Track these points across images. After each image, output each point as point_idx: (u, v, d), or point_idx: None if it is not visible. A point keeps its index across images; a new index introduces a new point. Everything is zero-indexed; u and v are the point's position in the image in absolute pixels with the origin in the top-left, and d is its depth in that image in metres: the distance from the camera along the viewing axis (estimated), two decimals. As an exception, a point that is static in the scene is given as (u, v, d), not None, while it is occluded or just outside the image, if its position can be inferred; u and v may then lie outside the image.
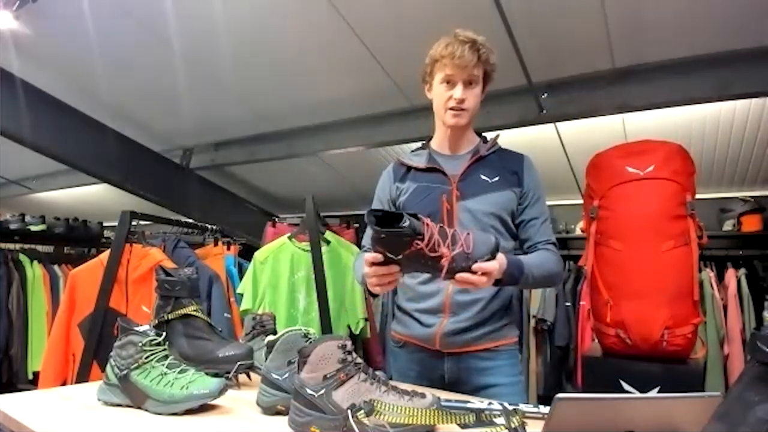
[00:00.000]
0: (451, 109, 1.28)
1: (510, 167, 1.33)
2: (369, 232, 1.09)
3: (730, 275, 2.94)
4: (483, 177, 1.30)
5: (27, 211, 4.00)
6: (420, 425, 0.79)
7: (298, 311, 2.10)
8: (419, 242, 0.97)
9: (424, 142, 1.44)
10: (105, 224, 4.26)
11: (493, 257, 1.02)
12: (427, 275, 1.27)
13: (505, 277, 1.11)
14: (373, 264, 1.02)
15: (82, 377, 1.83)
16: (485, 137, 1.41)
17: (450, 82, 1.27)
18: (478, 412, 0.80)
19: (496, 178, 1.30)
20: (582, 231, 1.88)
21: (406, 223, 0.96)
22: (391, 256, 0.99)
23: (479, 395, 1.19)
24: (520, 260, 1.17)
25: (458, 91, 1.26)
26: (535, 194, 1.32)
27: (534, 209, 1.32)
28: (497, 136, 1.40)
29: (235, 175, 4.36)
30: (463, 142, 1.37)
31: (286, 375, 0.98)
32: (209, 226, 2.49)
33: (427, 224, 0.99)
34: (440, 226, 1.01)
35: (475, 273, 1.01)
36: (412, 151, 1.44)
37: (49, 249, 3.81)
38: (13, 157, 3.94)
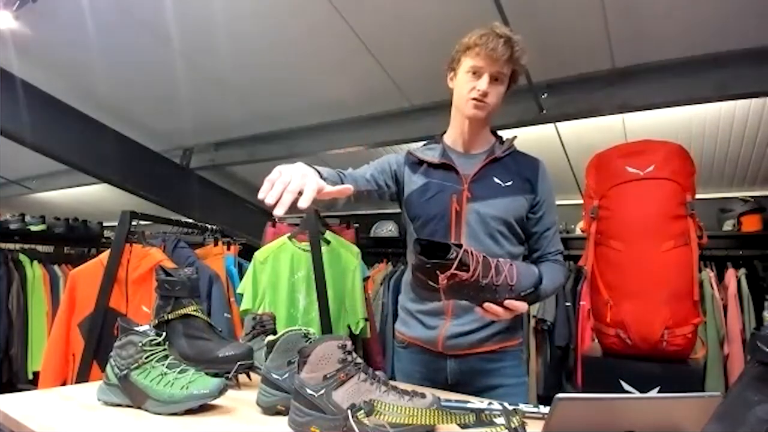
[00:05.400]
0: (472, 99, 1.24)
1: (524, 173, 1.31)
2: (411, 257, 1.07)
3: (730, 275, 2.94)
4: (496, 180, 1.28)
5: (27, 211, 4.00)
6: (420, 425, 0.79)
7: (298, 311, 2.10)
8: (464, 274, 0.97)
9: (436, 136, 1.41)
10: (105, 224, 4.26)
11: (535, 290, 1.02)
12: None
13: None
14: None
15: (82, 377, 1.83)
16: (501, 137, 1.39)
17: (476, 73, 1.23)
18: (478, 412, 0.80)
19: (509, 183, 1.28)
20: (582, 231, 1.87)
21: (453, 254, 0.96)
22: (432, 283, 0.99)
23: (484, 396, 1.19)
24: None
25: (483, 83, 1.22)
26: (548, 204, 1.32)
27: (547, 220, 1.32)
28: (514, 138, 1.38)
29: (235, 175, 4.36)
30: (479, 140, 1.34)
31: (286, 375, 0.98)
32: (209, 226, 2.49)
33: (472, 254, 0.99)
34: (484, 256, 1.00)
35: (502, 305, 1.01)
36: (424, 144, 1.41)
37: (49, 249, 3.82)
38: (13, 157, 3.94)
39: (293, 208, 0.88)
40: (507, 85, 1.28)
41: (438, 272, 0.97)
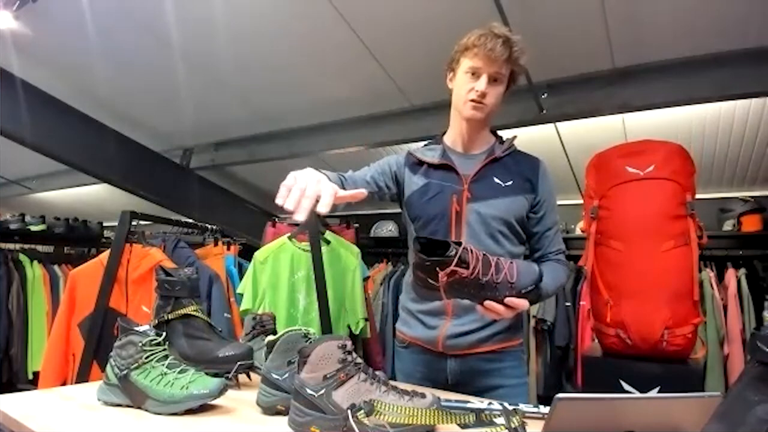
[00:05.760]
0: (471, 101, 1.24)
1: (524, 173, 1.31)
2: (412, 257, 1.09)
3: (730, 275, 2.94)
4: (496, 180, 1.28)
5: (27, 211, 4.00)
6: (420, 425, 0.79)
7: (298, 311, 2.10)
8: (464, 271, 0.98)
9: (437, 136, 1.41)
10: (105, 224, 4.26)
11: (536, 287, 1.02)
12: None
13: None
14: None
15: (82, 377, 1.83)
16: (501, 137, 1.39)
17: (475, 74, 1.23)
18: (478, 412, 0.80)
19: (510, 183, 1.28)
20: (582, 231, 1.87)
21: (453, 252, 0.97)
22: (433, 282, 1.00)
23: (484, 397, 1.19)
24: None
25: (482, 83, 1.22)
26: (549, 204, 1.32)
27: (548, 219, 1.32)
28: (514, 137, 1.37)
29: (235, 175, 4.36)
30: (478, 140, 1.34)
31: (286, 375, 0.98)
32: (209, 226, 2.49)
33: (472, 251, 1.00)
34: (484, 254, 1.01)
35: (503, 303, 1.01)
36: (425, 145, 1.41)
37: (49, 249, 3.82)
38: (13, 157, 3.94)
39: (311, 213, 0.89)
40: (506, 85, 1.28)
41: (438, 270, 0.98)
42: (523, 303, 1.02)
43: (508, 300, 1.01)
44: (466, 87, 1.24)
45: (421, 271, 1.01)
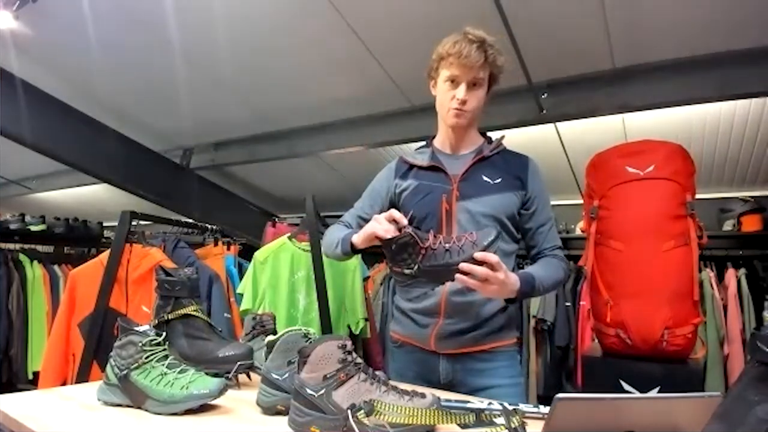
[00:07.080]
0: (453, 109, 1.26)
1: (514, 171, 1.31)
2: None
3: (730, 275, 2.94)
4: (485, 178, 1.29)
5: (27, 211, 4.00)
6: (420, 425, 0.79)
7: (298, 311, 2.10)
8: (425, 243, 1.05)
9: (427, 140, 1.43)
10: (105, 224, 4.26)
11: (496, 239, 1.06)
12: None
13: (519, 296, 1.15)
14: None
15: (82, 377, 1.83)
16: (490, 137, 1.40)
17: (454, 82, 1.25)
18: (478, 412, 0.80)
19: (499, 180, 1.29)
20: (582, 231, 1.88)
21: (409, 229, 1.06)
22: (409, 271, 1.06)
23: (477, 396, 1.19)
24: (531, 276, 1.18)
25: (461, 92, 1.24)
26: (541, 200, 1.32)
27: (541, 216, 1.32)
28: (502, 137, 1.38)
29: (235, 175, 4.37)
30: (465, 142, 1.36)
31: (286, 375, 0.98)
32: (209, 226, 2.49)
33: (431, 232, 1.09)
34: (445, 236, 1.10)
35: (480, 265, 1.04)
36: (417, 149, 1.44)
37: (49, 249, 3.81)
38: (13, 157, 3.94)
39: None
40: (487, 87, 1.29)
41: (404, 251, 1.06)
42: (491, 257, 1.04)
43: (477, 255, 1.03)
44: (447, 96, 1.27)
45: (393, 266, 1.09)
